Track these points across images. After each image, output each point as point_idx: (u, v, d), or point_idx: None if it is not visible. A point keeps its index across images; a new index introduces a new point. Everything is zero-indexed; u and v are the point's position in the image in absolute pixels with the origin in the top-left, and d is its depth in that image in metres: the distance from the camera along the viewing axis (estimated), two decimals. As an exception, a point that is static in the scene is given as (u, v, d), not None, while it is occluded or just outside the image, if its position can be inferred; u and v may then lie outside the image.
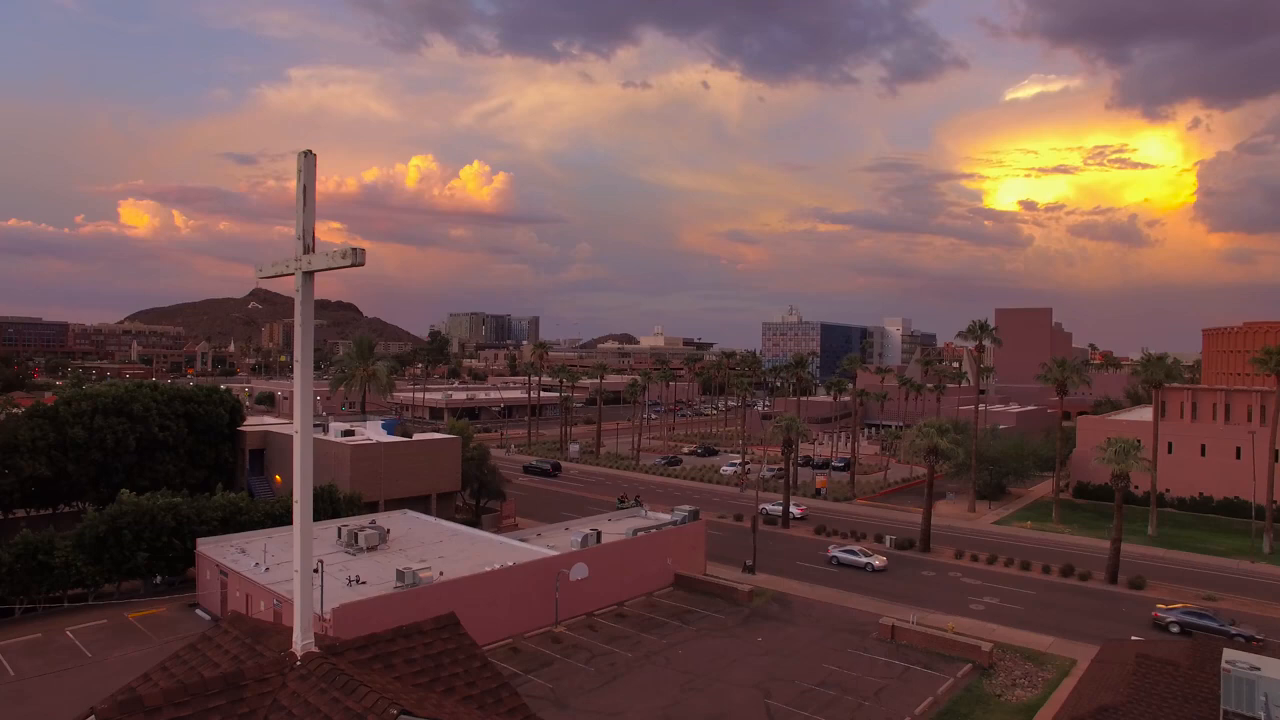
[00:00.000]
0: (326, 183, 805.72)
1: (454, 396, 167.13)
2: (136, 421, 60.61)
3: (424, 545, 50.14)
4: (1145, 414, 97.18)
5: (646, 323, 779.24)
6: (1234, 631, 43.22)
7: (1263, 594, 54.24)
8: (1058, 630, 46.11)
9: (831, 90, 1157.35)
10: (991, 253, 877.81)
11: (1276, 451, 65.64)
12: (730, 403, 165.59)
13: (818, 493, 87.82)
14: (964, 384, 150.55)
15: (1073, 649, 42.79)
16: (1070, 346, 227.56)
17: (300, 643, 7.39)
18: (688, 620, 46.75)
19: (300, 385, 7.43)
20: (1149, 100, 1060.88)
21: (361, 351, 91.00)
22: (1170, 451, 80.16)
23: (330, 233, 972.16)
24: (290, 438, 71.55)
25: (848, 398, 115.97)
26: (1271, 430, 66.71)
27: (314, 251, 7.39)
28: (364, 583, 41.70)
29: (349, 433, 68.90)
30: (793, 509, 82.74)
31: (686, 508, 60.31)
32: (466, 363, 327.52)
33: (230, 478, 66.48)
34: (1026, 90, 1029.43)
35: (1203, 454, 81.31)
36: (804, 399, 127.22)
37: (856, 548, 61.38)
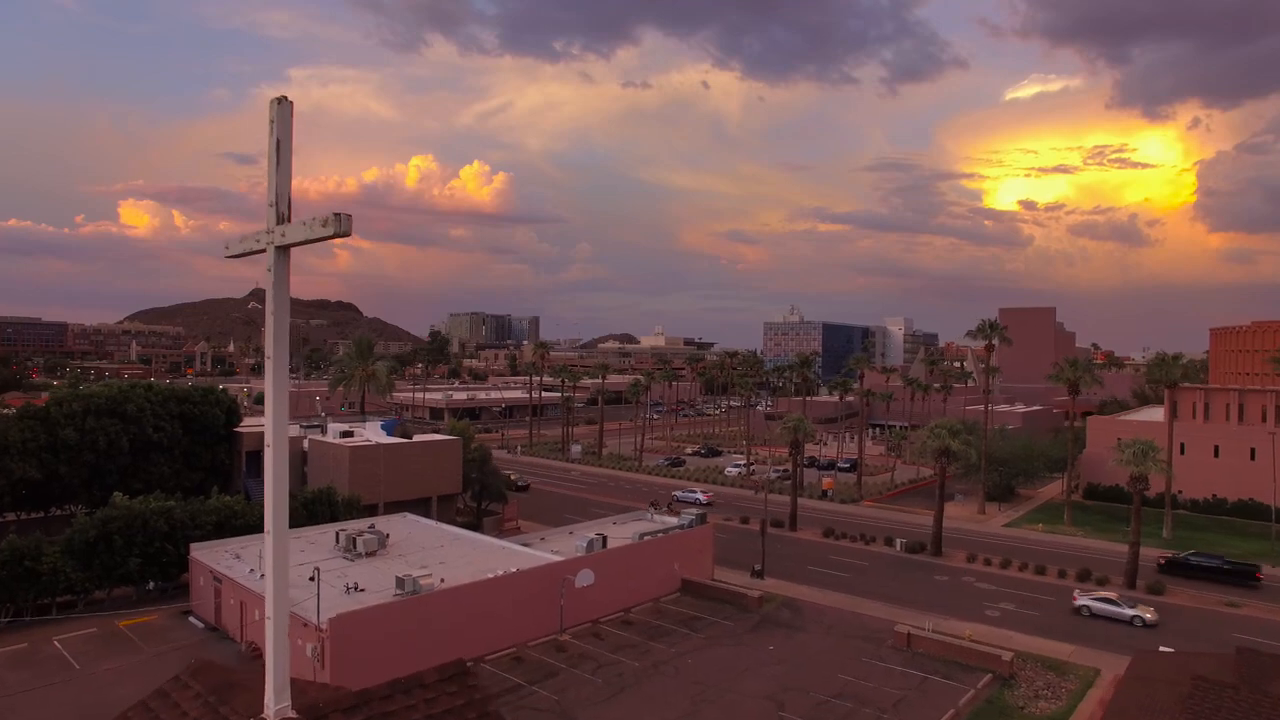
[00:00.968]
0: (326, 182, 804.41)
1: (454, 397, 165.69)
2: (130, 423, 59.26)
3: (424, 550, 48.74)
4: (1154, 414, 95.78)
5: (646, 323, 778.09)
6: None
7: (1285, 599, 52.77)
8: (1077, 638, 44.68)
9: (831, 90, 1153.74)
10: (991, 252, 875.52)
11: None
12: (733, 403, 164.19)
13: (824, 494, 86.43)
14: (969, 384, 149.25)
15: (1095, 658, 41.41)
16: (1074, 346, 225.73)
17: (274, 708, 6.00)
18: (696, 627, 45.34)
19: (273, 387, 6.03)
20: (1149, 100, 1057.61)
21: (361, 351, 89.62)
22: (1182, 452, 78.67)
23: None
24: (290, 439, 70.40)
25: (852, 397, 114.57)
26: (1289, 431, 65.23)
27: (290, 221, 5.99)
28: (363, 590, 40.31)
29: (348, 434, 67.57)
30: (699, 495, 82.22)
31: (693, 511, 58.97)
32: (467, 363, 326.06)
33: (226, 480, 65.13)
34: (1026, 90, 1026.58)
35: (1216, 455, 79.87)
36: (808, 399, 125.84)
37: (1113, 595, 49.45)
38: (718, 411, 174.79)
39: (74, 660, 38.78)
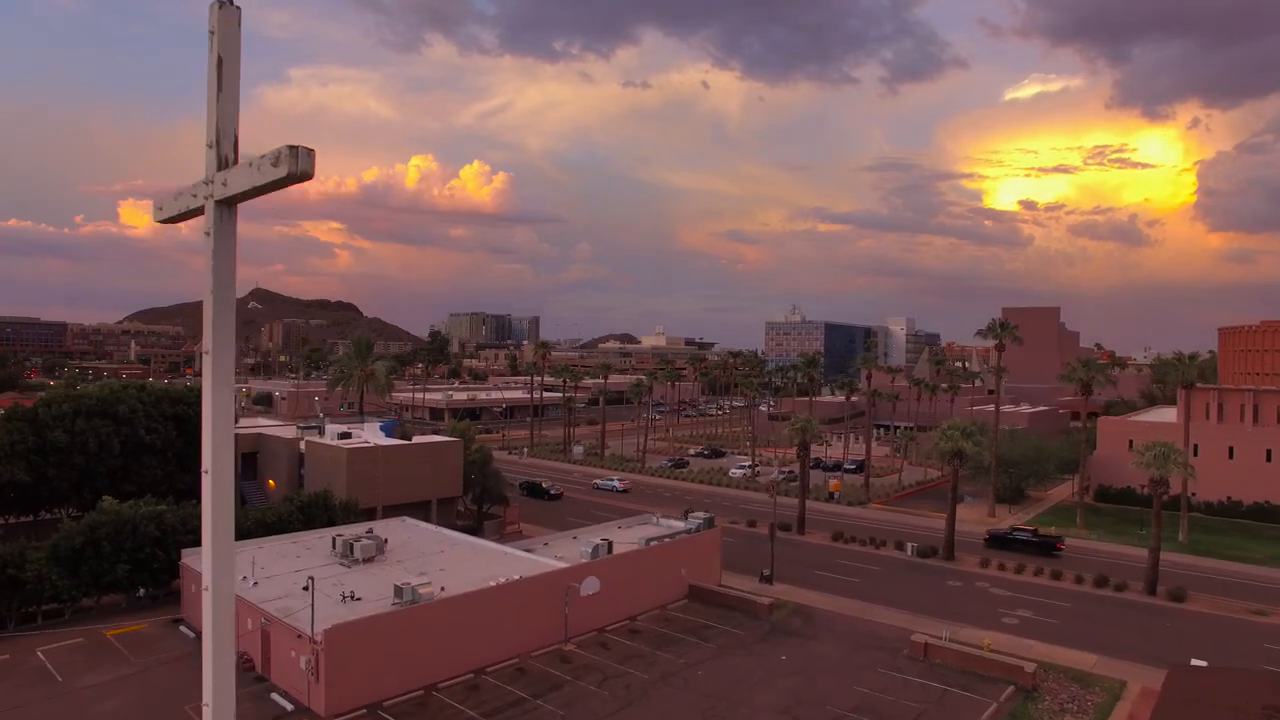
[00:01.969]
0: (326, 182, 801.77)
1: (455, 397, 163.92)
2: (121, 424, 57.66)
3: (424, 556, 47.14)
4: (1164, 414, 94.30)
5: (647, 323, 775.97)
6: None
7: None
8: (1100, 647, 43.08)
9: (831, 90, 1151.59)
10: (992, 252, 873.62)
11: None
12: (735, 403, 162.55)
13: (831, 496, 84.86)
14: (976, 384, 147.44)
15: (1120, 669, 39.87)
16: (1078, 346, 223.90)
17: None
18: (705, 636, 43.76)
19: (212, 384, 4.51)
20: (1149, 100, 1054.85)
21: (360, 351, 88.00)
22: (1196, 454, 77.07)
23: (330, 232, 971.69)
24: (286, 441, 68.78)
25: (857, 397, 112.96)
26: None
27: (233, 165, 4.46)
28: (359, 599, 38.73)
29: (346, 435, 65.94)
30: (615, 483, 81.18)
31: (701, 515, 57.44)
32: (467, 363, 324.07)
33: (221, 483, 63.38)
34: (1026, 90, 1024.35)
35: (1230, 456, 78.35)
36: (813, 399, 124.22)
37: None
38: (720, 412, 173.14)
39: (56, 673, 37.11)
